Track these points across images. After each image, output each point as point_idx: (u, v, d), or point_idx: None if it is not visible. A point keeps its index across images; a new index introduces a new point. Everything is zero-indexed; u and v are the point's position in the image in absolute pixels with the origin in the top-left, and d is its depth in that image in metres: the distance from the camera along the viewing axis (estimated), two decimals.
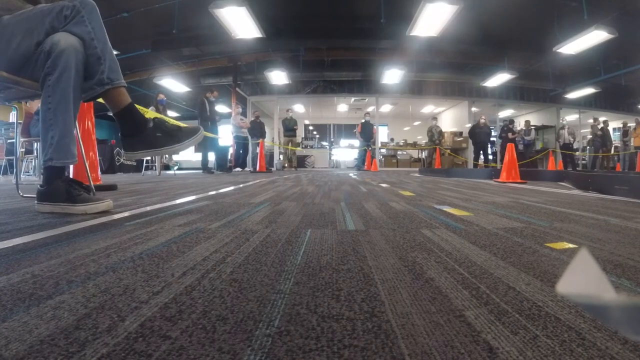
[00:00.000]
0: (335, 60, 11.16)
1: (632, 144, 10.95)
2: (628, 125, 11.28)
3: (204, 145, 7.80)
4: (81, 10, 1.31)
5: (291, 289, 0.58)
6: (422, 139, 14.52)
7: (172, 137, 1.43)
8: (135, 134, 1.41)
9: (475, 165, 10.71)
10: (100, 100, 1.46)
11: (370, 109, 13.17)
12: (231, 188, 2.83)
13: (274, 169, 11.07)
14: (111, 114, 1.44)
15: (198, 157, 14.80)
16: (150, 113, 5.41)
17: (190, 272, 0.66)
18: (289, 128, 10.65)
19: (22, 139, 3.30)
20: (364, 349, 0.39)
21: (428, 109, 15.18)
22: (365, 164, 10.41)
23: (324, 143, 17.58)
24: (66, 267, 0.68)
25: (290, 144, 10.87)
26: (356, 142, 12.65)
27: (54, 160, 1.33)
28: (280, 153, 12.21)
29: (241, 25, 6.84)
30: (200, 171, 8.33)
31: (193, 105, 12.96)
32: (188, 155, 15.16)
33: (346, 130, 17.86)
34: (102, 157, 8.83)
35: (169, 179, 4.89)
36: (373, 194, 2.30)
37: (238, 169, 9.20)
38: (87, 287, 0.57)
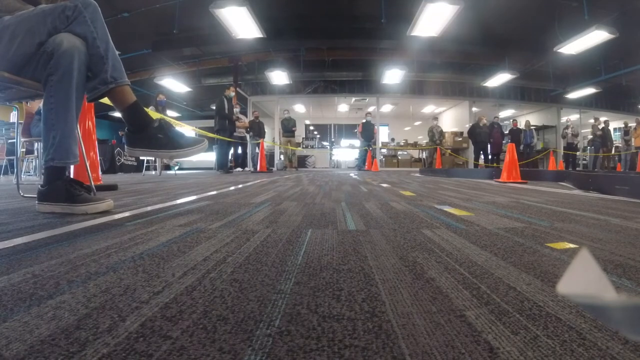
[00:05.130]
0: (336, 60, 11.16)
1: (632, 144, 10.94)
2: (629, 125, 11.27)
3: (222, 145, 7.82)
4: (83, 11, 1.31)
5: (292, 289, 0.58)
6: (423, 139, 14.52)
7: (173, 142, 1.43)
8: (140, 131, 1.42)
9: (476, 165, 10.70)
10: (105, 100, 1.46)
11: (371, 108, 13.16)
12: (232, 188, 2.83)
13: (274, 169, 11.07)
14: (112, 114, 1.44)
15: (199, 157, 14.87)
16: (151, 113, 5.42)
17: (191, 272, 0.66)
18: (288, 129, 10.66)
19: (22, 139, 3.30)
20: (365, 349, 0.39)
21: (429, 109, 15.17)
22: (366, 164, 10.41)
23: (325, 143, 17.58)
24: (67, 267, 0.68)
25: (289, 144, 10.86)
26: (357, 142, 12.65)
27: (55, 160, 1.33)
28: (281, 153, 12.23)
29: (242, 25, 6.85)
30: (208, 171, 8.35)
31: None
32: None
33: (347, 130, 17.85)
34: (103, 157, 8.84)
35: (170, 179, 4.90)
36: (374, 194, 2.29)
37: (238, 169, 9.21)
38: (87, 287, 0.57)
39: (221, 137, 7.69)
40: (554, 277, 0.63)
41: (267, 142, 10.75)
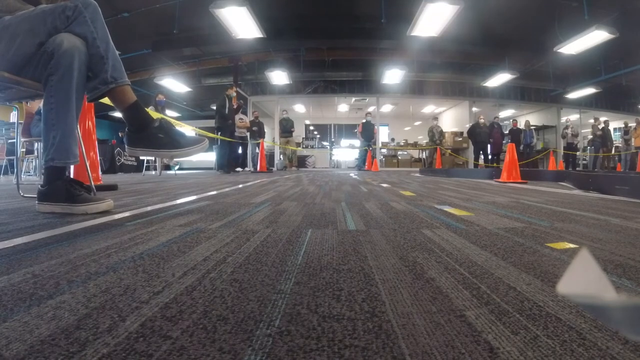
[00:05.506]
0: (336, 60, 11.16)
1: (632, 144, 10.94)
2: (629, 125, 11.28)
3: (222, 145, 7.78)
4: (83, 11, 1.32)
5: (292, 289, 0.58)
6: (423, 139, 14.52)
7: (174, 141, 1.43)
8: (140, 131, 1.42)
9: (476, 165, 10.71)
10: (105, 100, 1.46)
11: (371, 108, 13.17)
12: (232, 188, 2.83)
13: (274, 169, 11.07)
14: (112, 114, 1.45)
15: (199, 157, 14.93)
16: (152, 113, 5.43)
17: (191, 272, 0.66)
18: (287, 129, 10.65)
19: (22, 139, 3.30)
20: (365, 349, 0.39)
21: (429, 109, 15.17)
22: (366, 164, 10.41)
23: (325, 143, 17.58)
24: (67, 267, 0.68)
25: (288, 144, 10.86)
26: (357, 142, 12.66)
27: (55, 160, 1.33)
28: (280, 153, 12.26)
29: (242, 25, 6.85)
30: (208, 171, 8.33)
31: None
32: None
33: (347, 130, 17.86)
34: (103, 157, 8.84)
35: (170, 179, 4.90)
36: (374, 194, 2.29)
37: (239, 169, 9.21)
38: (87, 287, 0.57)
39: (222, 138, 7.68)
40: (554, 277, 0.63)
41: (267, 142, 10.75)
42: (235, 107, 8.06)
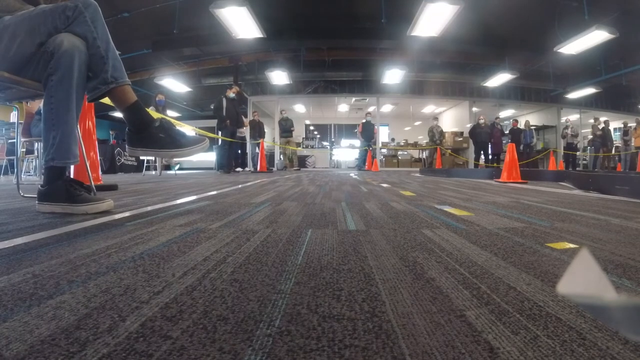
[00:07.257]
0: (336, 60, 11.16)
1: (632, 144, 10.94)
2: (628, 125, 11.27)
3: (222, 145, 7.71)
4: (84, 11, 1.32)
5: (292, 289, 0.58)
6: (423, 139, 14.51)
7: (174, 141, 1.43)
8: (141, 131, 1.42)
9: (476, 165, 10.71)
10: (105, 100, 1.46)
11: (371, 108, 13.16)
12: (232, 188, 2.83)
13: (274, 169, 11.07)
14: (112, 114, 1.44)
15: (199, 157, 14.90)
16: (152, 113, 5.43)
17: (191, 272, 0.66)
18: (286, 129, 10.65)
19: (22, 139, 3.30)
20: (365, 349, 0.39)
21: (429, 109, 15.17)
22: (366, 164, 10.41)
23: (325, 143, 17.58)
24: (67, 267, 0.68)
25: (287, 144, 10.85)
26: (357, 142, 12.66)
27: (55, 160, 1.33)
28: (280, 153, 12.26)
29: (242, 25, 6.84)
30: (208, 171, 8.31)
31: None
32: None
33: (347, 130, 17.85)
34: (103, 157, 8.83)
35: (170, 179, 4.90)
36: (374, 194, 2.29)
37: (239, 169, 9.21)
38: (87, 287, 0.57)
39: (223, 137, 7.67)
40: (554, 277, 0.63)
41: (267, 142, 10.74)
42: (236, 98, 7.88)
